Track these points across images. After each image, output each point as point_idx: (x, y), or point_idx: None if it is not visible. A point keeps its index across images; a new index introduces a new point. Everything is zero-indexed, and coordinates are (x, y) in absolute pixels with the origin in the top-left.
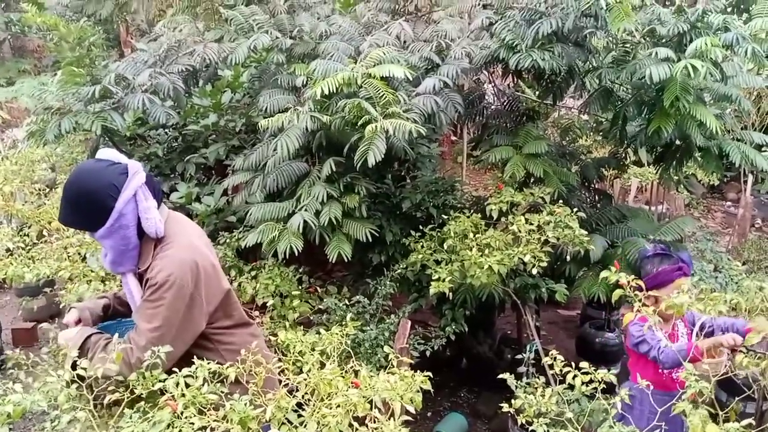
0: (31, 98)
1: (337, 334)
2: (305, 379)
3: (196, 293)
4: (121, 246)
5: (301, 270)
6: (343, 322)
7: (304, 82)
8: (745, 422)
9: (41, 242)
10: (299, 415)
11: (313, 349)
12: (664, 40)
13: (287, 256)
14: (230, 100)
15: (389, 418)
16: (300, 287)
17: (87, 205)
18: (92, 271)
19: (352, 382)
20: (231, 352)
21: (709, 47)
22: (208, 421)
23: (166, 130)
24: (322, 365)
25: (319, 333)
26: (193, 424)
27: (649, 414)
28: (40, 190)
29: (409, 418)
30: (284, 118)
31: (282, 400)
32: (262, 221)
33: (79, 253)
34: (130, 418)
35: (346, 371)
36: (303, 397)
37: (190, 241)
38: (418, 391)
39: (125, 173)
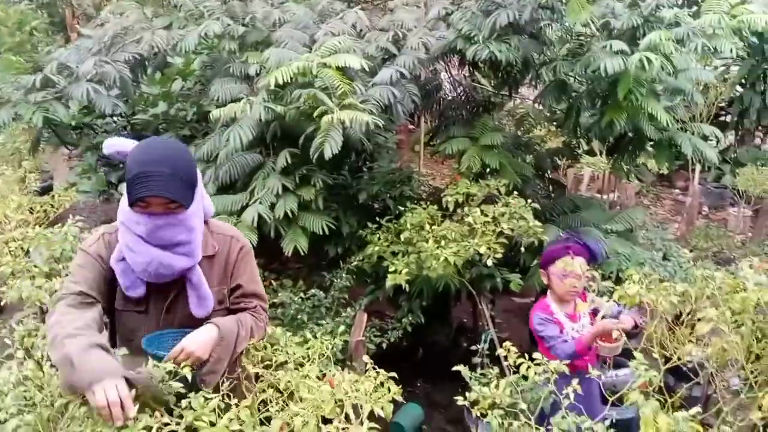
0: None
1: (324, 341)
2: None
3: None
4: (201, 224)
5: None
6: (300, 316)
7: (258, 71)
8: (693, 410)
9: None
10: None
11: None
12: (618, 34)
13: None
14: (181, 88)
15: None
16: None
17: (190, 175)
18: (35, 267)
19: (328, 381)
20: None
21: (662, 41)
22: (158, 421)
23: (114, 119)
24: (301, 365)
25: (304, 337)
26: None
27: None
28: None
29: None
30: (237, 108)
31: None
32: (216, 215)
33: (21, 248)
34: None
35: (323, 374)
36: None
37: None
38: (390, 402)
39: None
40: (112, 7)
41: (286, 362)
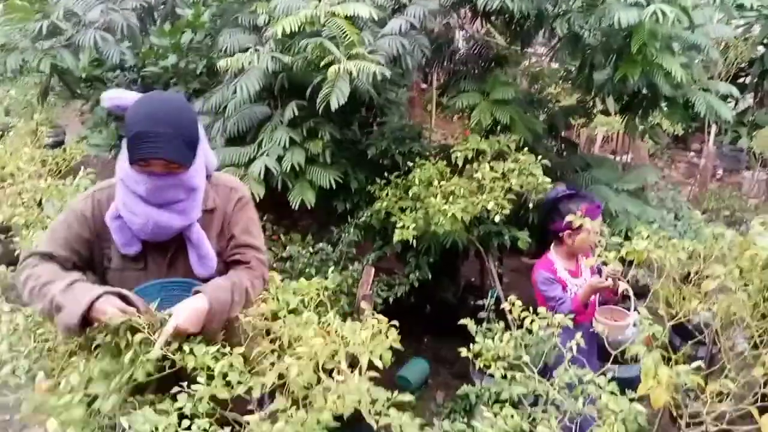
0: None
1: (316, 283)
2: (281, 327)
3: None
4: (203, 182)
5: (265, 218)
6: (308, 270)
7: (266, 21)
8: (695, 364)
9: None
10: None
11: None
12: None
13: None
14: (191, 40)
15: (356, 371)
16: (263, 235)
17: (192, 134)
18: (48, 218)
19: (321, 334)
20: None
21: None
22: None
23: (125, 72)
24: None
25: (292, 279)
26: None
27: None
28: None
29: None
30: (244, 58)
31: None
32: (223, 166)
33: (34, 199)
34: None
35: (322, 322)
36: (271, 342)
37: None
38: (388, 349)
39: None
40: None
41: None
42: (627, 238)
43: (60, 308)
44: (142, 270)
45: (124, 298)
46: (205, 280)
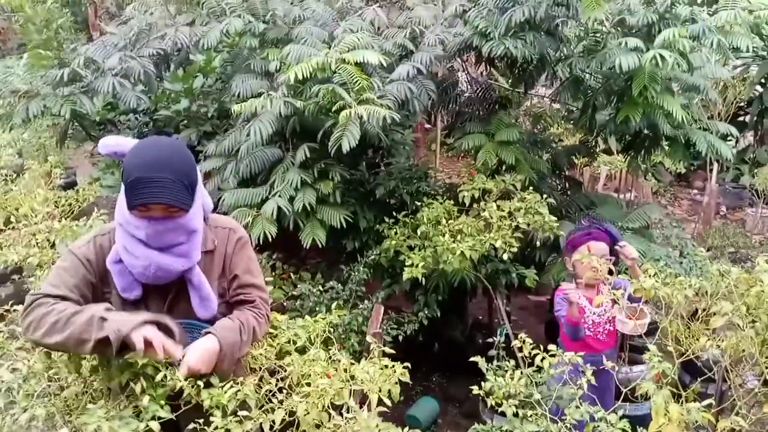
0: None
1: (321, 320)
2: (289, 364)
3: None
4: (201, 224)
5: (275, 256)
6: (318, 308)
7: (278, 67)
8: (705, 402)
9: (8, 229)
10: (269, 400)
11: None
12: (633, 30)
13: (261, 242)
14: (202, 85)
15: (365, 409)
16: (273, 273)
17: (191, 178)
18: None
19: (325, 373)
20: None
21: (676, 38)
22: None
23: (137, 116)
24: (304, 350)
25: (302, 317)
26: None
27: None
28: (6, 175)
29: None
30: (257, 103)
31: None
32: (235, 207)
33: (48, 240)
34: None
35: (330, 358)
36: (280, 381)
37: None
38: (396, 383)
39: None
40: (136, 3)
41: (289, 346)
42: None
43: (102, 321)
44: None
45: (164, 327)
46: (205, 322)
